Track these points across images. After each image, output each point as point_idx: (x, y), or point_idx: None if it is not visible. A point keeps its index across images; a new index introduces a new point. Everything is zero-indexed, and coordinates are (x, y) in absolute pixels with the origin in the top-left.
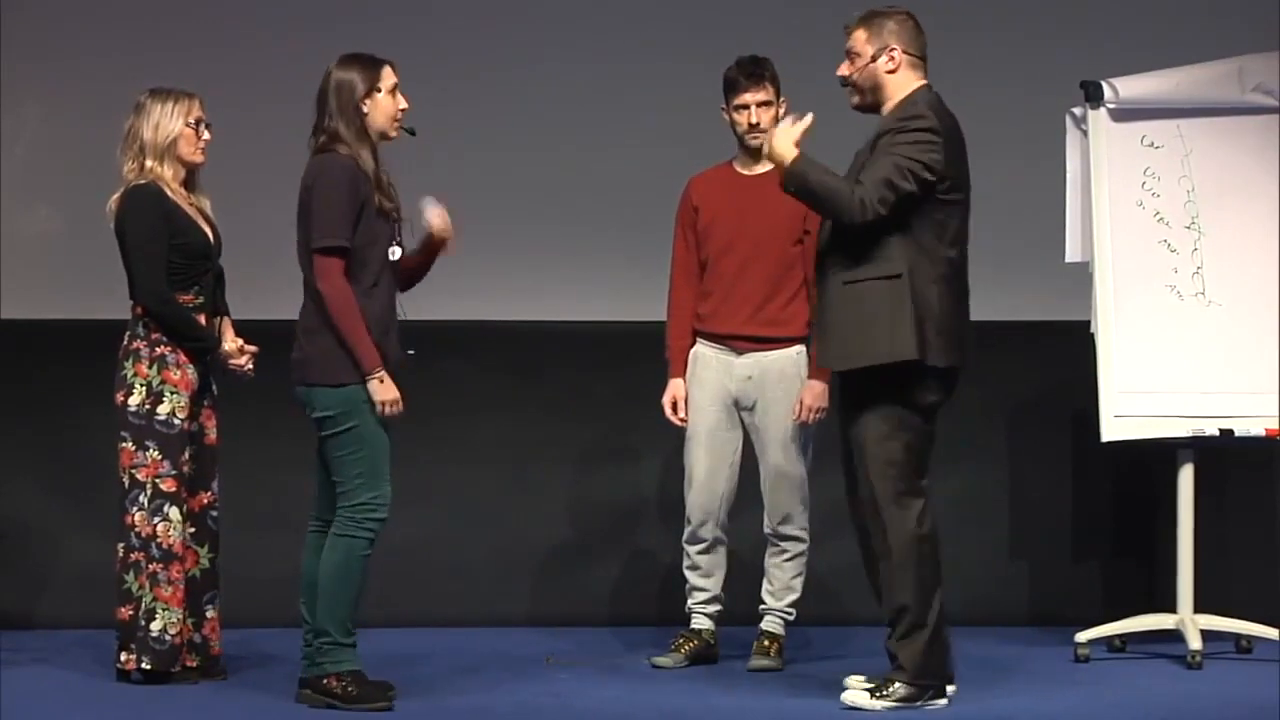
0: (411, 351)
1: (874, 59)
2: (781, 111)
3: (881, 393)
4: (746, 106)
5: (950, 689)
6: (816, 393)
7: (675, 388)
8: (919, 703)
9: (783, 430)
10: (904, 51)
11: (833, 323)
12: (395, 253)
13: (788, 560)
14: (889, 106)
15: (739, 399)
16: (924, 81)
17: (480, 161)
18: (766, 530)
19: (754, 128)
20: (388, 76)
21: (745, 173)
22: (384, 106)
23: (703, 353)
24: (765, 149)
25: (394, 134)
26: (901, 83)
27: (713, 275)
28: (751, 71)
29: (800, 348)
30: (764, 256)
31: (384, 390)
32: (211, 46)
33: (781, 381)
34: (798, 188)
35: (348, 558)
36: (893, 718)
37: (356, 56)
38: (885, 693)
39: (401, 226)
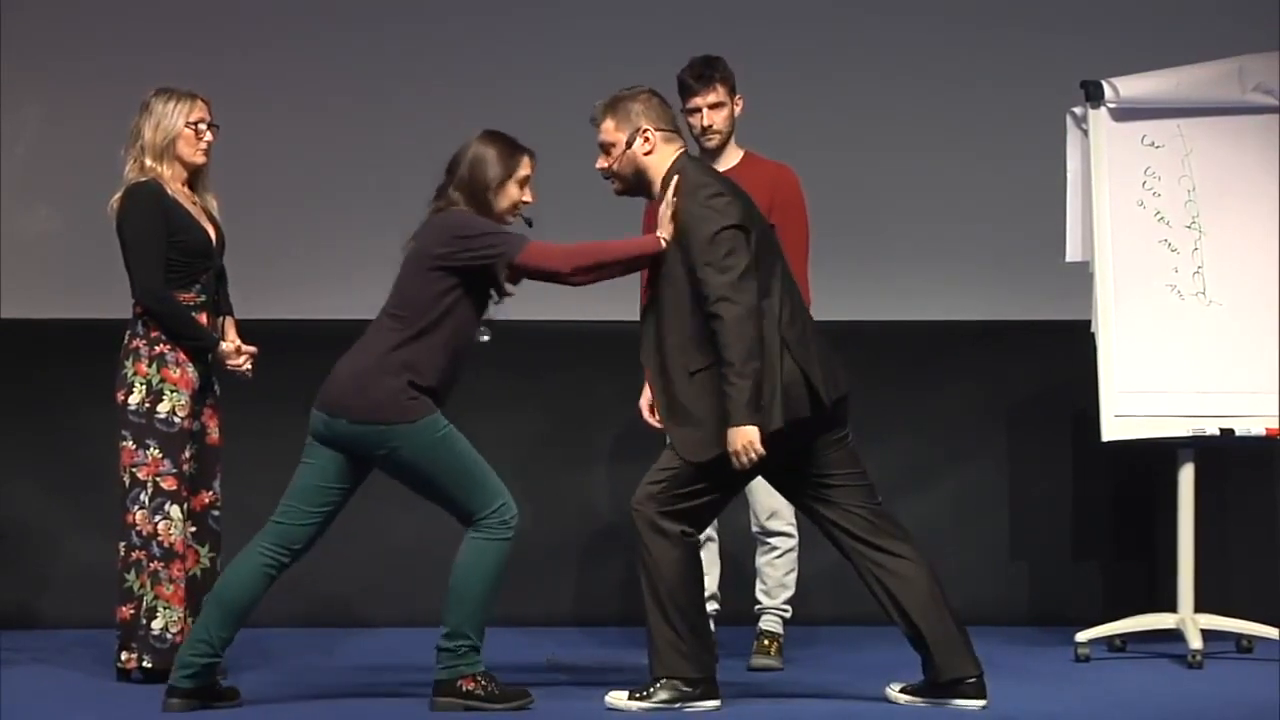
0: (486, 337)
1: (629, 145)
2: (738, 110)
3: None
4: (698, 110)
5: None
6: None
7: (649, 392)
8: None
9: None
10: (656, 129)
11: (691, 415)
12: (485, 336)
13: (779, 557)
14: (658, 187)
15: None
16: (680, 150)
17: None
18: (754, 529)
19: (707, 130)
20: (524, 168)
21: None
22: (510, 196)
23: None
24: (734, 455)
25: (510, 220)
26: (661, 161)
27: None
28: (701, 74)
29: None
30: None
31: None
32: (213, 47)
33: None
34: (749, 395)
35: (498, 562)
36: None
37: (501, 137)
38: None
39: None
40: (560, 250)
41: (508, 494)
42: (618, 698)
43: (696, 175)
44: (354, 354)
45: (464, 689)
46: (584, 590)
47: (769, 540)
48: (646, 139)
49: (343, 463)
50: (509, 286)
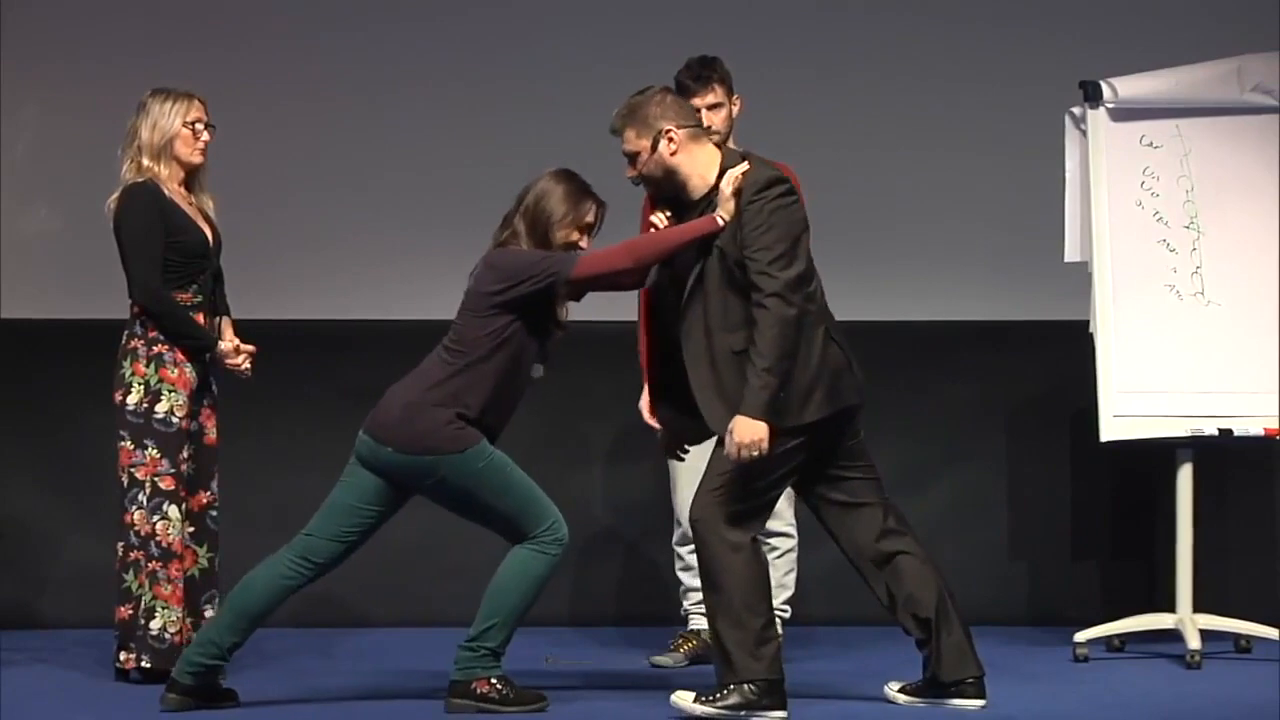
0: (540, 373)
1: (654, 149)
2: (735, 110)
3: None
4: (697, 111)
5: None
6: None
7: (650, 393)
8: None
9: None
10: (678, 128)
11: (730, 390)
12: (538, 372)
13: (778, 558)
14: (695, 184)
15: None
16: (714, 145)
17: (480, 162)
18: None
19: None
20: (589, 215)
21: None
22: (569, 238)
23: None
24: (733, 443)
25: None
26: (691, 158)
27: None
28: (699, 74)
29: None
30: None
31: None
32: (212, 47)
33: None
34: (771, 395)
35: (540, 576)
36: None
37: (574, 180)
38: None
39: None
40: (617, 250)
41: (558, 513)
42: (683, 698)
43: (768, 170)
44: (406, 383)
45: (478, 691)
46: (583, 590)
47: (768, 541)
48: (671, 139)
49: (383, 487)
50: (565, 312)
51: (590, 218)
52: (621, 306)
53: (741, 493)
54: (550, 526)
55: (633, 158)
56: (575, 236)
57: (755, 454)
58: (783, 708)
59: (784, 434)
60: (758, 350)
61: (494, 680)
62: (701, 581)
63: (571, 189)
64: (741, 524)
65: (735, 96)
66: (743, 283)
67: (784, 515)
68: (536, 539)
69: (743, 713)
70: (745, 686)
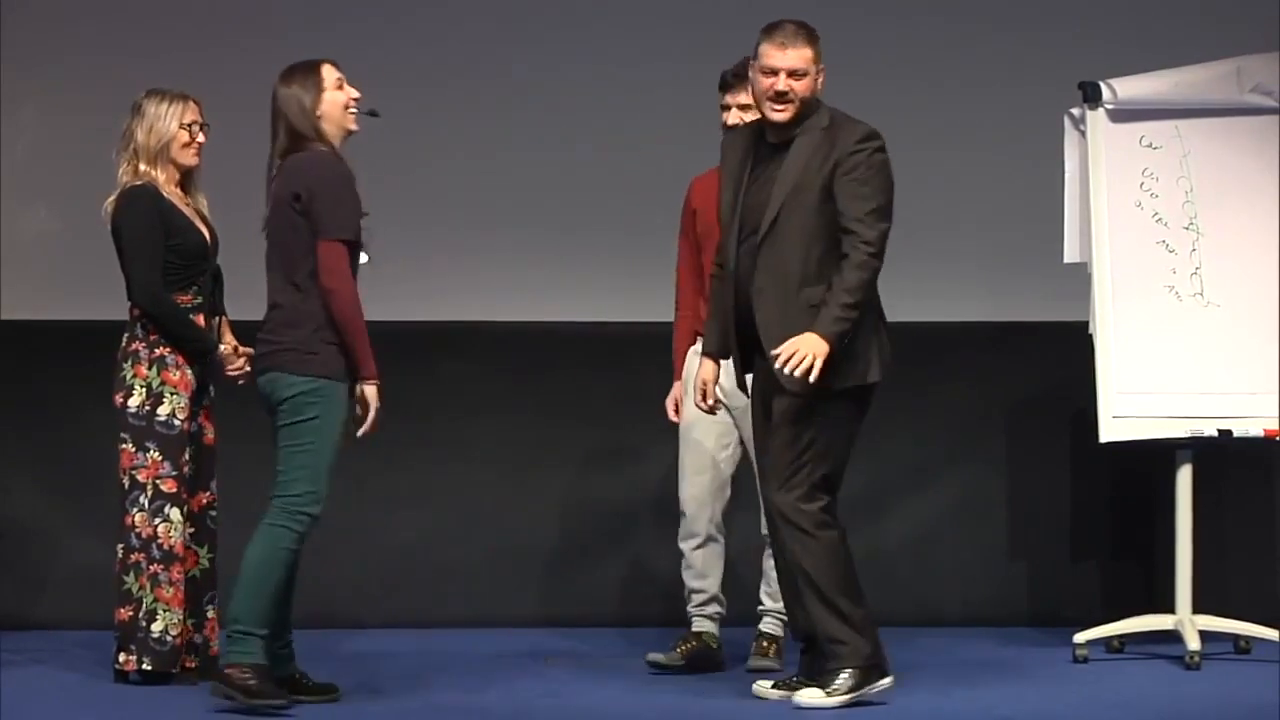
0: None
1: (815, 80)
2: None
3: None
4: (729, 108)
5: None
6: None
7: (677, 389)
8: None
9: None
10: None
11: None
12: (364, 258)
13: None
14: (794, 124)
15: (727, 397)
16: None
17: (480, 162)
18: (764, 531)
19: (733, 130)
20: (329, 74)
21: None
22: (336, 102)
23: (697, 350)
24: (791, 346)
25: (354, 126)
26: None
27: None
28: (738, 71)
29: None
30: None
31: (377, 398)
32: (211, 47)
33: None
34: (845, 330)
35: (274, 548)
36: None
37: (292, 68)
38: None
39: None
40: (352, 292)
41: (323, 495)
42: (812, 696)
43: (864, 123)
44: None
45: (228, 675)
46: (582, 590)
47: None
48: (821, 75)
49: None
50: None
51: (335, 73)
52: (622, 307)
53: (808, 457)
54: (306, 495)
55: (800, 74)
56: (341, 100)
57: (805, 367)
58: (888, 673)
59: (852, 396)
60: (843, 285)
61: (245, 668)
62: (790, 567)
63: (301, 78)
64: (816, 498)
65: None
66: (825, 233)
67: (715, 519)
68: (284, 503)
69: (862, 689)
70: (857, 669)
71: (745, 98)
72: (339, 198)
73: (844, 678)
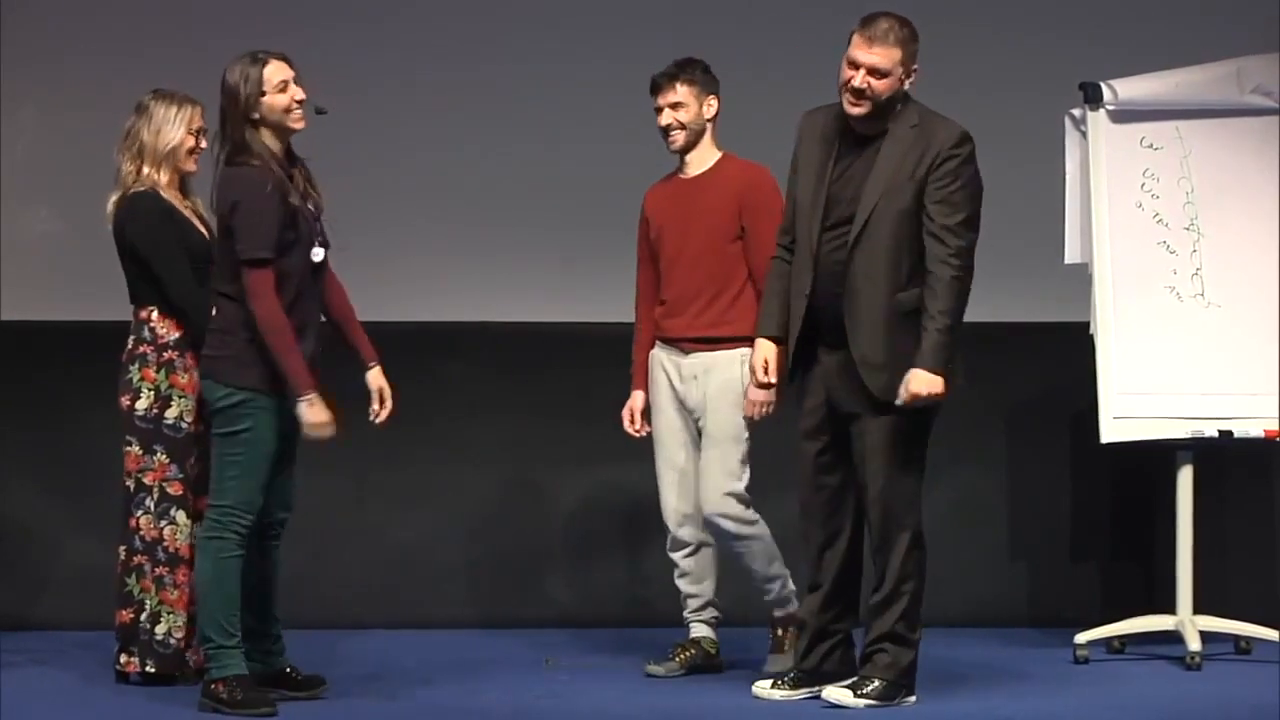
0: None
1: (901, 81)
2: (709, 112)
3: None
4: (660, 109)
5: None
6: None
7: (634, 399)
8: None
9: (723, 432)
10: (911, 71)
11: (900, 355)
12: (319, 254)
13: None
14: (880, 124)
15: (684, 399)
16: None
17: (479, 162)
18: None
19: (665, 130)
20: (273, 75)
21: (684, 176)
22: (276, 106)
23: (657, 355)
24: (909, 392)
25: (298, 126)
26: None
27: (665, 282)
28: (666, 72)
29: (745, 350)
30: (705, 257)
31: (313, 413)
32: (211, 47)
33: (725, 388)
34: (950, 355)
35: (218, 560)
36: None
37: (236, 64)
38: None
39: (322, 225)
40: (274, 313)
41: (258, 505)
42: (842, 695)
43: (958, 124)
44: None
45: (213, 690)
46: (582, 591)
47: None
48: (912, 76)
49: None
50: None
51: (283, 73)
52: (621, 307)
53: (908, 469)
54: (239, 505)
55: (883, 72)
56: (283, 100)
57: (928, 400)
58: (914, 692)
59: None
60: (939, 305)
61: (228, 680)
62: (889, 589)
63: (242, 71)
64: (918, 509)
65: (709, 98)
66: (918, 237)
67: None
68: (218, 514)
69: (888, 702)
70: (888, 682)
71: (675, 96)
72: (258, 215)
73: (876, 685)
